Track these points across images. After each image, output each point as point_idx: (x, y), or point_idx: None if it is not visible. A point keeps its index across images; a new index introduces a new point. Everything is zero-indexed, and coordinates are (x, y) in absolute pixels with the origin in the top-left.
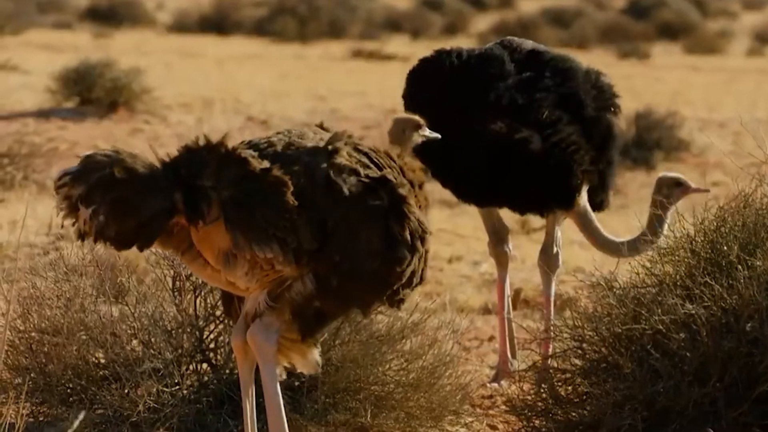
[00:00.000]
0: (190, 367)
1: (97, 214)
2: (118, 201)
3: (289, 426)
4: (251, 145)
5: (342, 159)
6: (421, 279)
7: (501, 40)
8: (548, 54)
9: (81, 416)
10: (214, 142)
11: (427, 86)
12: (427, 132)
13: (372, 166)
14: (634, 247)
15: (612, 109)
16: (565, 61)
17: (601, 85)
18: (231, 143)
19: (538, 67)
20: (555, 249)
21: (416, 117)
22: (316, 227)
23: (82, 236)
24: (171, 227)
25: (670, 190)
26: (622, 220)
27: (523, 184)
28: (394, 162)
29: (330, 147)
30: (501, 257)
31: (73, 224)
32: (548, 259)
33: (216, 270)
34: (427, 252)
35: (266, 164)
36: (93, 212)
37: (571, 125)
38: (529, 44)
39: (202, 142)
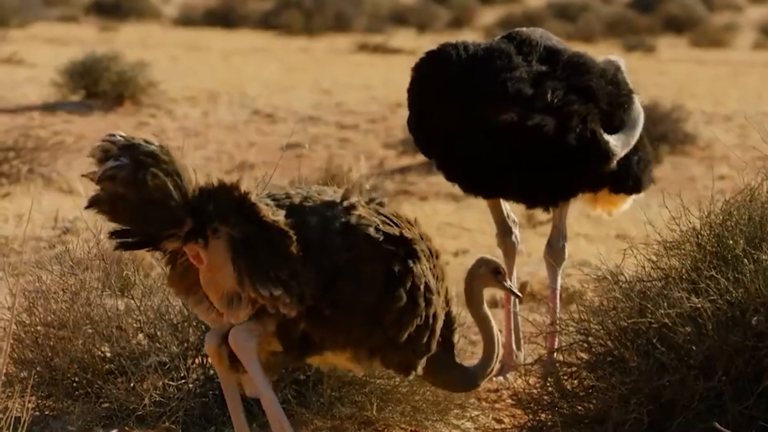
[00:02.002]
0: (196, 361)
1: (118, 170)
2: (141, 166)
3: (294, 420)
4: (269, 195)
5: (359, 211)
6: (428, 348)
7: (509, 33)
8: (563, 50)
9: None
10: (228, 183)
11: (432, 79)
12: (506, 282)
13: (391, 223)
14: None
15: (625, 105)
16: (580, 56)
17: (617, 81)
18: (244, 186)
19: (551, 61)
20: (561, 242)
21: (498, 262)
22: (325, 274)
23: (91, 202)
24: (178, 265)
25: None
26: (627, 213)
27: (551, 168)
28: (413, 228)
29: (346, 203)
30: (509, 249)
31: (92, 179)
32: (554, 253)
33: (220, 314)
34: (434, 318)
35: (277, 210)
36: (115, 168)
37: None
38: (538, 34)
39: (216, 183)
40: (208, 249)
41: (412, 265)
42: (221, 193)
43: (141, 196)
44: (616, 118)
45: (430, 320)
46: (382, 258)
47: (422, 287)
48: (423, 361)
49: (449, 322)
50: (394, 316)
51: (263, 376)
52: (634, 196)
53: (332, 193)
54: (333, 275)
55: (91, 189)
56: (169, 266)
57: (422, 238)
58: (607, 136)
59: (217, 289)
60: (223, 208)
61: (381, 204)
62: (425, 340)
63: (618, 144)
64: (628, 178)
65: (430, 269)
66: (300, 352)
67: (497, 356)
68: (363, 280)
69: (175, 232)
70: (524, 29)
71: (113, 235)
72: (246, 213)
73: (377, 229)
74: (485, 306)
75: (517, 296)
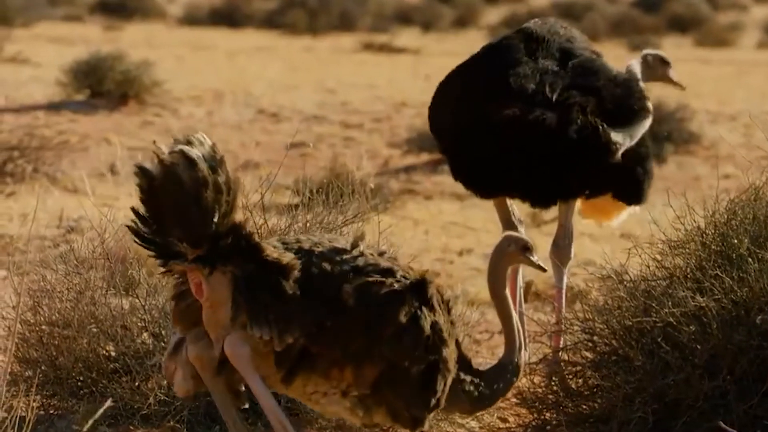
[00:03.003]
0: None
1: (197, 160)
2: (215, 175)
3: (298, 419)
4: (280, 239)
5: (368, 255)
6: (438, 402)
7: (519, 28)
8: (578, 53)
9: (104, 406)
10: (238, 222)
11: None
12: (534, 258)
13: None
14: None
15: (637, 109)
16: (592, 60)
17: (630, 86)
18: (249, 227)
19: (561, 60)
20: (567, 241)
21: (526, 238)
22: (327, 307)
23: (143, 169)
24: (182, 302)
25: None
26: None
27: (554, 163)
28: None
29: (356, 251)
30: None
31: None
32: (560, 252)
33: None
34: (446, 366)
35: (282, 252)
36: (194, 155)
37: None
38: (546, 28)
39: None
40: (210, 281)
41: (415, 288)
42: (236, 231)
43: (193, 197)
44: (621, 118)
45: (440, 365)
46: (385, 279)
47: (426, 314)
48: (431, 417)
49: (469, 370)
50: (393, 329)
51: (260, 381)
52: (630, 210)
53: (344, 242)
54: (336, 302)
55: (96, 189)
56: (173, 302)
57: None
58: (608, 129)
59: (216, 326)
60: (234, 245)
61: (394, 258)
62: (437, 389)
63: (619, 136)
64: (632, 186)
65: (442, 318)
66: (293, 368)
67: (519, 335)
68: (363, 295)
69: (187, 252)
70: (532, 24)
71: (134, 213)
72: (251, 253)
73: (384, 268)
74: (506, 287)
75: (543, 270)
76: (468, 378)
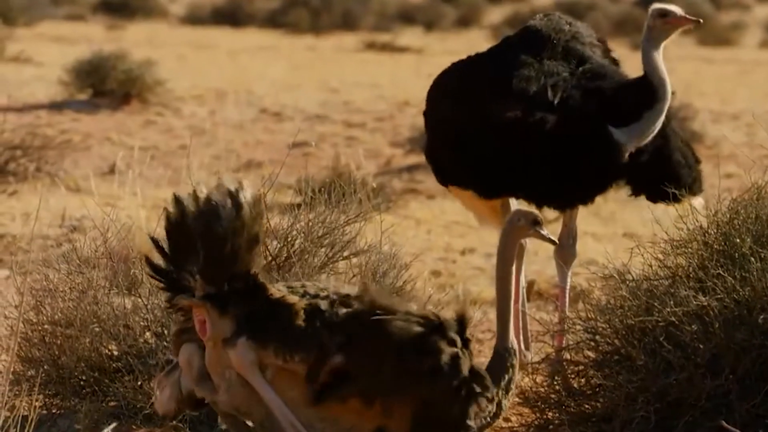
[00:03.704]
0: None
1: (241, 203)
2: (251, 218)
3: None
4: (286, 286)
5: (376, 297)
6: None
7: (522, 27)
8: (589, 57)
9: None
10: (248, 268)
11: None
12: (544, 231)
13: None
14: None
15: (643, 108)
16: (603, 67)
17: (636, 84)
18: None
19: (571, 63)
20: (571, 241)
21: (535, 212)
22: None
23: (179, 202)
24: (187, 333)
25: (656, 21)
26: (635, 212)
27: (563, 168)
28: None
29: (364, 295)
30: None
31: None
32: (564, 252)
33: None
34: (477, 395)
35: (287, 293)
36: (240, 199)
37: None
38: (552, 26)
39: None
40: (214, 320)
41: (439, 329)
42: (247, 273)
43: (226, 237)
44: (626, 117)
45: (470, 390)
46: (407, 319)
47: (453, 350)
48: None
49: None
50: (429, 365)
51: (268, 386)
52: (695, 201)
53: (351, 288)
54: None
55: (99, 188)
56: (174, 337)
57: None
58: (611, 128)
59: (219, 367)
60: (243, 286)
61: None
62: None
63: (624, 136)
64: (658, 186)
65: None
66: (324, 385)
67: (511, 317)
68: (388, 333)
69: (196, 287)
70: (537, 22)
71: (153, 242)
72: (256, 293)
73: (396, 308)
74: (513, 266)
75: (554, 243)
76: (492, 401)
